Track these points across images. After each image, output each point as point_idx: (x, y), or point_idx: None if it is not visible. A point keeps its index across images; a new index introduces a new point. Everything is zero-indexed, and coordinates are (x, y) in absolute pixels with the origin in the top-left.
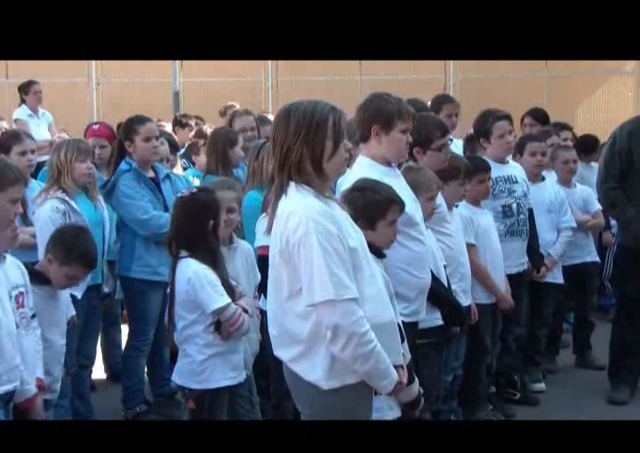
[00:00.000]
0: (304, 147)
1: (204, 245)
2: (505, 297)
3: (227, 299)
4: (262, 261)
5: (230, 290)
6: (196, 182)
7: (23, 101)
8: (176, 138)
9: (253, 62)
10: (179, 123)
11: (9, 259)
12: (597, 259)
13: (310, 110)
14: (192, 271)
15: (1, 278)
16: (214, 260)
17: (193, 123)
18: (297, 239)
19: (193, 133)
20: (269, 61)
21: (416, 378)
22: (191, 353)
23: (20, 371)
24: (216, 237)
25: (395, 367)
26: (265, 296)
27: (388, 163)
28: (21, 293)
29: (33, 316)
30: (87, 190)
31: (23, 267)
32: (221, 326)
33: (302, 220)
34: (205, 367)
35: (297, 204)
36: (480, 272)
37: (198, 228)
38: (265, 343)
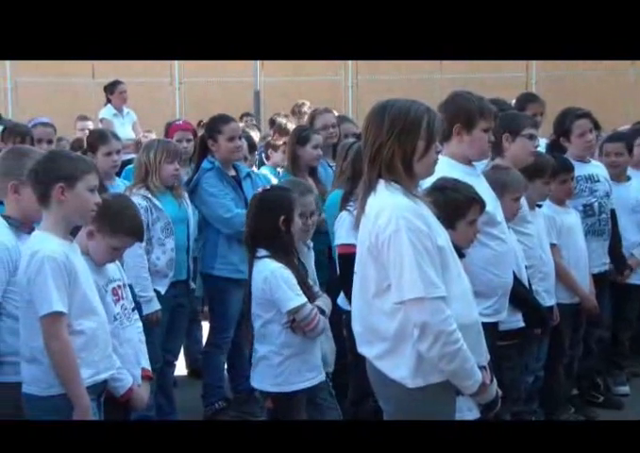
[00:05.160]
0: (396, 145)
1: (278, 243)
2: (588, 297)
3: (303, 299)
4: (343, 260)
5: (308, 289)
6: (274, 181)
7: (108, 101)
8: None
9: (333, 61)
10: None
11: None
12: None
13: (405, 109)
14: (269, 270)
15: (86, 269)
16: (290, 259)
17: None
18: (387, 236)
19: (271, 129)
20: (349, 61)
21: (495, 379)
22: (268, 355)
23: (114, 361)
24: (290, 234)
25: (479, 368)
26: (346, 294)
27: (469, 162)
28: (119, 286)
29: (133, 309)
30: (172, 187)
31: (117, 262)
32: (295, 324)
33: (392, 217)
34: (282, 370)
35: (387, 201)
36: (562, 272)
37: (269, 225)
38: (345, 341)
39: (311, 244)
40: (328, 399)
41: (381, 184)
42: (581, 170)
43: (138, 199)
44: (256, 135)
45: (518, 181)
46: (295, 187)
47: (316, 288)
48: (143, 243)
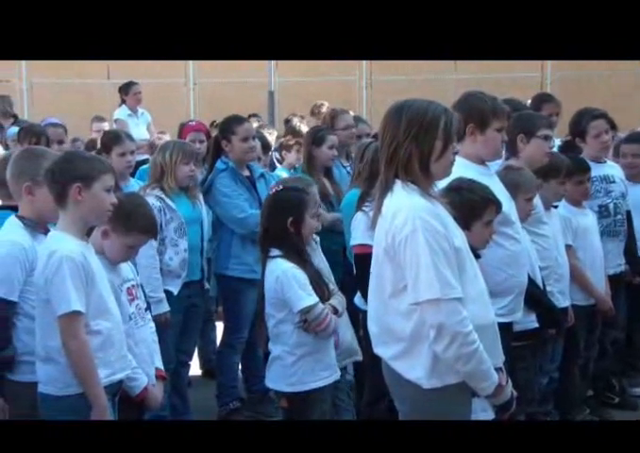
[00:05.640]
0: (413, 146)
1: (287, 243)
2: (604, 299)
3: (314, 299)
4: (358, 260)
5: (321, 288)
6: None
7: (123, 101)
8: (270, 138)
9: (347, 62)
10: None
11: None
12: None
13: (423, 109)
14: (280, 269)
15: (101, 269)
16: (303, 259)
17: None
18: (404, 236)
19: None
20: (363, 61)
21: (509, 380)
22: (281, 355)
23: (129, 360)
24: (300, 235)
25: (495, 369)
26: (362, 294)
27: (482, 162)
28: (133, 286)
29: (147, 309)
30: (187, 189)
31: (130, 262)
32: (307, 325)
33: (409, 218)
34: (296, 370)
35: (404, 202)
36: (577, 273)
37: (279, 226)
38: (360, 341)
39: (317, 239)
40: (346, 400)
41: (398, 185)
42: (596, 171)
43: (151, 200)
44: (273, 133)
45: (531, 182)
46: (298, 183)
47: (332, 285)
48: (156, 244)
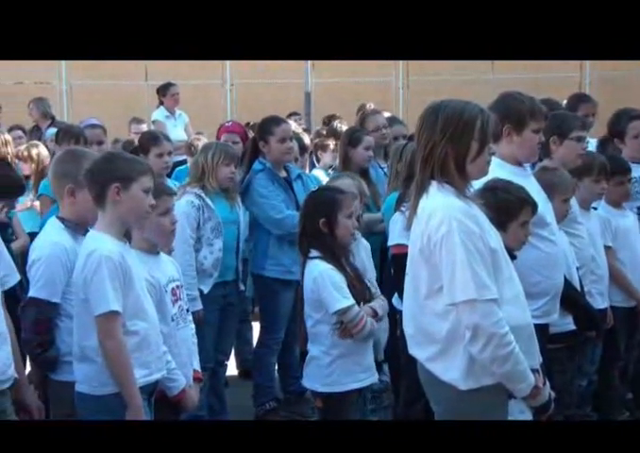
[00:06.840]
0: (449, 146)
1: (321, 244)
2: None
3: (350, 301)
4: (395, 260)
5: (360, 290)
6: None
7: (161, 103)
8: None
9: (384, 63)
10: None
11: (163, 254)
12: None
13: (459, 110)
14: (318, 271)
15: (139, 270)
16: (339, 260)
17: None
18: (439, 237)
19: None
20: (400, 61)
21: (547, 382)
22: (318, 355)
23: (168, 362)
24: (334, 236)
25: (532, 371)
26: (399, 295)
27: (518, 163)
28: (177, 287)
29: (188, 310)
30: (226, 190)
31: (176, 262)
32: (343, 326)
33: (445, 219)
34: (332, 370)
35: (439, 202)
36: (617, 274)
37: (312, 227)
38: (398, 342)
39: (359, 235)
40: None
41: (434, 185)
42: (635, 171)
43: (191, 197)
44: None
45: (567, 182)
46: (340, 179)
47: (374, 288)
48: (193, 242)
